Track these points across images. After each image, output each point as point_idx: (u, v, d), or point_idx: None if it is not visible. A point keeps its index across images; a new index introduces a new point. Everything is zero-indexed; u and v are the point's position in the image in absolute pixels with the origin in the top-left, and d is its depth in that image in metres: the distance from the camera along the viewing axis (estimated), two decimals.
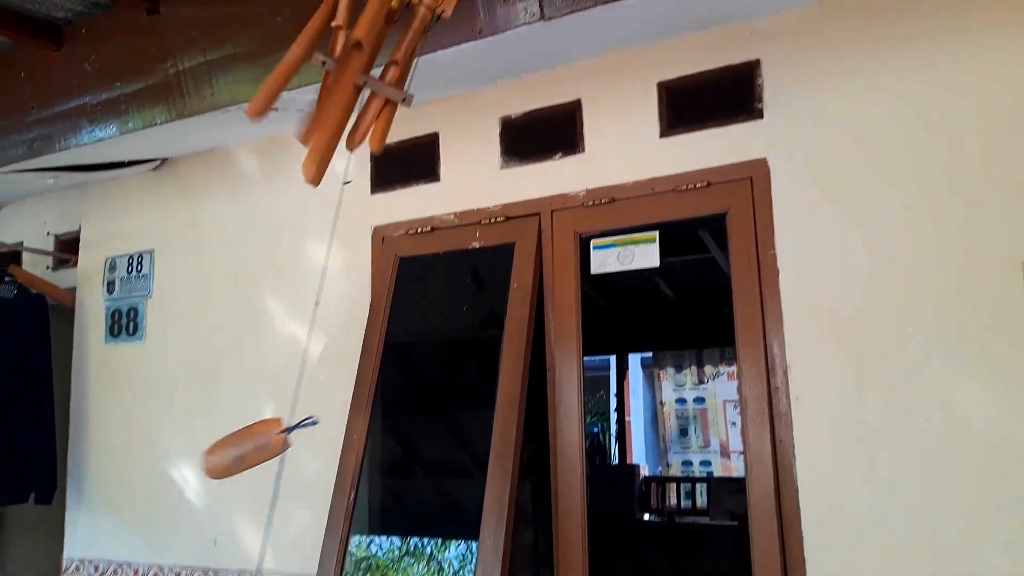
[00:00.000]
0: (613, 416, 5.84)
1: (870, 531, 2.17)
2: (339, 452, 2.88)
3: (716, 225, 2.57)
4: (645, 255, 2.58)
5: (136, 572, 3.49)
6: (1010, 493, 2.03)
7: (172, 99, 3.08)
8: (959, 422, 2.10)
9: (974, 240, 2.16)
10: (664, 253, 2.62)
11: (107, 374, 3.76)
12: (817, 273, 2.33)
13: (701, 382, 5.54)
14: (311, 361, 3.18)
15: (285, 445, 2.29)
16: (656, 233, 2.58)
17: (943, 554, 2.08)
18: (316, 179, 1.84)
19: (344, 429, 2.90)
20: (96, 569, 3.62)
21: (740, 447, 5.30)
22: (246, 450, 2.30)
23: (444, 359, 3.35)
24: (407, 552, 2.76)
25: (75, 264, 4.00)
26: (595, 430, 6.64)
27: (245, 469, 2.32)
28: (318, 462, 3.02)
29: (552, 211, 2.76)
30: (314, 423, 2.31)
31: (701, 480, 4.81)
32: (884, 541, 2.14)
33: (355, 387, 2.92)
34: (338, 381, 3.04)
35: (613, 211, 2.64)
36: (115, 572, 3.56)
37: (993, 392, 2.08)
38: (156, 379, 3.59)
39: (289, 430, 2.30)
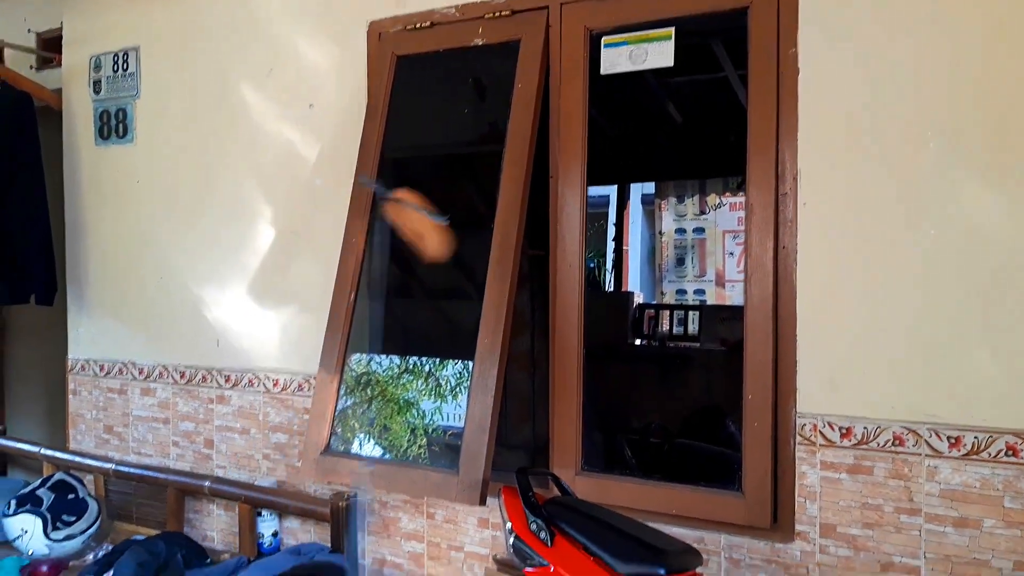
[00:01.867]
0: (610, 246, 5.84)
1: (865, 338, 2.18)
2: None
3: (734, 27, 2.40)
4: (659, 54, 2.44)
5: (141, 371, 3.58)
6: (1008, 304, 2.03)
7: None
8: (968, 232, 2.07)
9: (1008, 46, 2.03)
10: (675, 70, 2.48)
11: (99, 177, 3.69)
12: (838, 74, 2.21)
13: (702, 212, 5.48)
14: (306, 165, 3.10)
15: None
16: (672, 29, 2.42)
17: (936, 363, 2.10)
18: None
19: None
20: (101, 369, 3.71)
21: (736, 276, 5.32)
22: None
23: (445, 174, 3.27)
24: (406, 369, 2.82)
25: (59, 64, 3.84)
26: (591, 265, 6.67)
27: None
28: (319, 268, 3.01)
29: (561, 3, 2.58)
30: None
31: (693, 308, 4.86)
32: (878, 348, 2.16)
33: (352, 190, 2.86)
34: (335, 187, 2.98)
35: (628, 4, 2.47)
36: (120, 371, 3.65)
37: (1008, 204, 2.03)
38: (150, 182, 3.53)
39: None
